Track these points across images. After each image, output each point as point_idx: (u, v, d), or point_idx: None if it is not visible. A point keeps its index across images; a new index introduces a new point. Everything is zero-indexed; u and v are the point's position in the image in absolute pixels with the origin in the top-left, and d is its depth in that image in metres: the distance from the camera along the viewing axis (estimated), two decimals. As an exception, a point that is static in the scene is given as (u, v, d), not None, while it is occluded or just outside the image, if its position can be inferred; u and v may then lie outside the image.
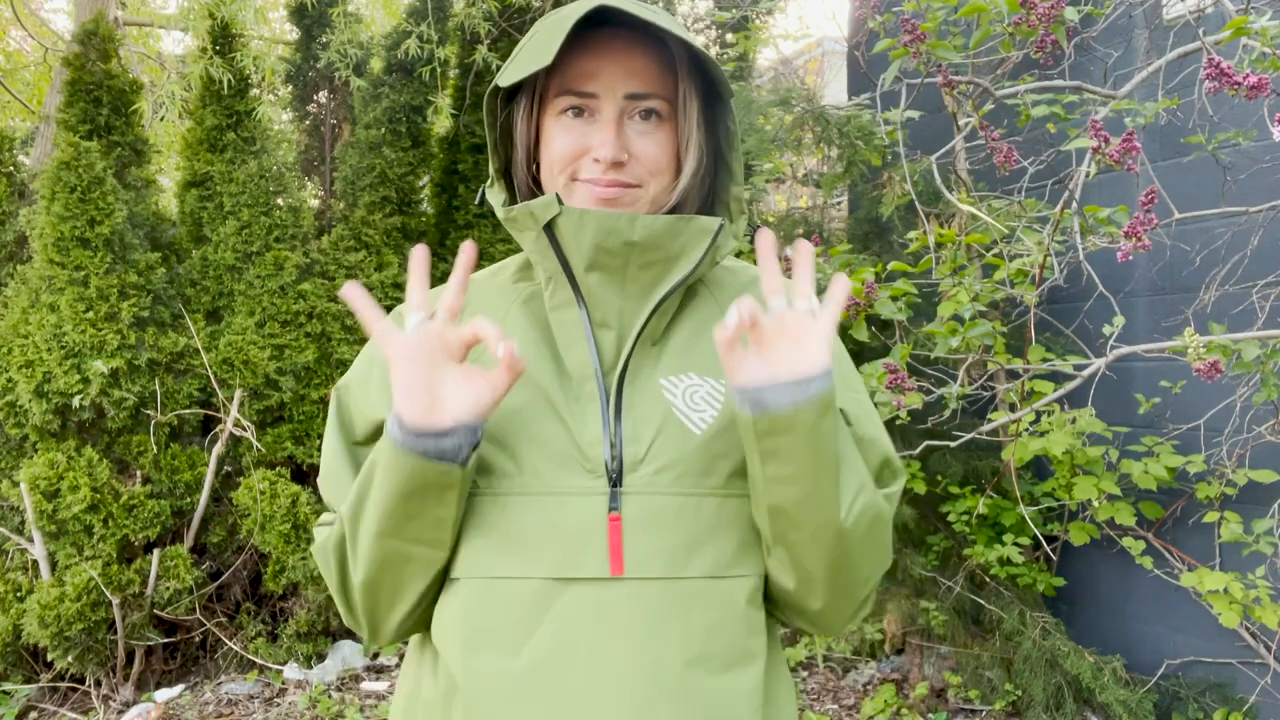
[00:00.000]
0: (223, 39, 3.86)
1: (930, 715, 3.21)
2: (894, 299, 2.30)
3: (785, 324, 0.77)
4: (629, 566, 0.82)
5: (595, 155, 0.86)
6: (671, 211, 0.91)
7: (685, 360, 0.90)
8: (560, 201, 0.85)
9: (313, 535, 0.93)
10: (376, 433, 0.90)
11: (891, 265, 2.36)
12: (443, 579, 0.87)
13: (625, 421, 0.86)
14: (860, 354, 3.41)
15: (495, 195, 0.93)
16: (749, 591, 0.86)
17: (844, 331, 2.49)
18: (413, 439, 0.77)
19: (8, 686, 3.43)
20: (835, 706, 3.38)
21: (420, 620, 0.89)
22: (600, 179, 0.87)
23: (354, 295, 0.78)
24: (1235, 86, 1.51)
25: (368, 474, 0.83)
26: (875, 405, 2.33)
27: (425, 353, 0.77)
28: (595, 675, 0.80)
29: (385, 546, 0.83)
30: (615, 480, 0.83)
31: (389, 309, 4.10)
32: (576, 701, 0.79)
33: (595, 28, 0.86)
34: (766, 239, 0.78)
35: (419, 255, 0.79)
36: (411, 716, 0.90)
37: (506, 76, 0.86)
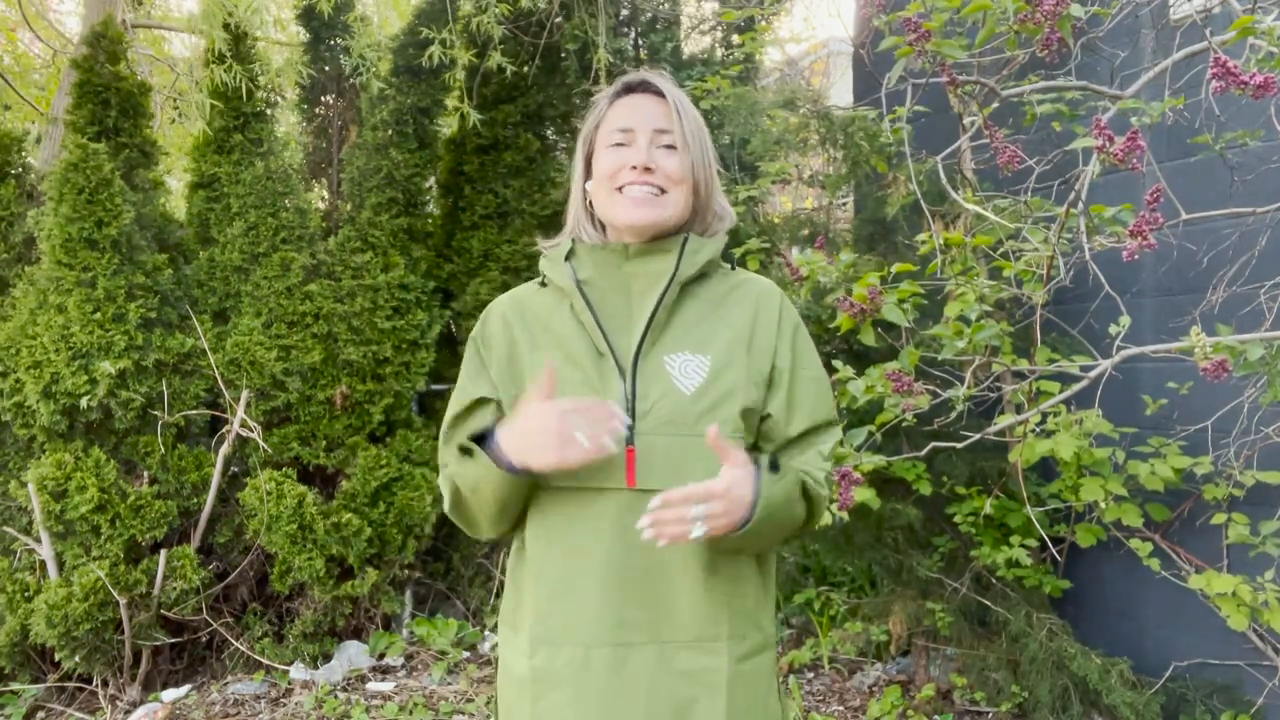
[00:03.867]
0: (234, 42, 3.88)
1: (936, 717, 3.20)
2: (900, 301, 2.29)
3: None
4: (639, 481, 1.22)
5: (632, 164, 1.26)
6: (685, 224, 1.34)
7: (682, 342, 1.28)
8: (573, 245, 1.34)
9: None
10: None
11: (896, 267, 2.36)
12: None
13: (638, 387, 1.25)
14: (867, 355, 3.41)
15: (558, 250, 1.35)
16: None
17: (852, 334, 2.49)
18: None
19: (15, 686, 3.44)
20: (841, 708, 3.37)
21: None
22: (636, 180, 1.26)
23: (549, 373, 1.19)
24: (1242, 86, 1.51)
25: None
26: (883, 409, 2.32)
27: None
28: (619, 552, 1.24)
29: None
30: (630, 426, 1.22)
31: (395, 309, 4.05)
32: (604, 561, 1.24)
33: (630, 94, 1.33)
34: (711, 432, 1.14)
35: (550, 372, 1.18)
36: (518, 573, 1.35)
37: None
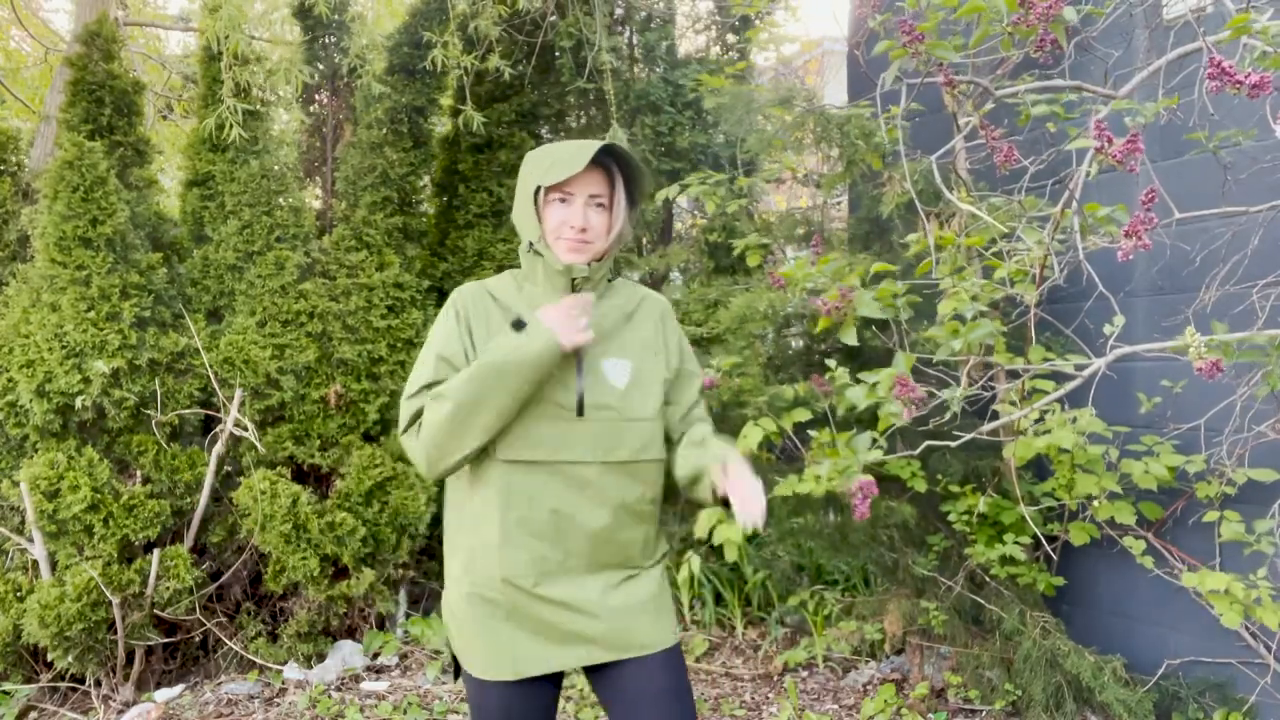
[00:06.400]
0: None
1: (930, 715, 3.21)
2: (892, 297, 2.30)
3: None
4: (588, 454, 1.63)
5: (571, 223, 1.62)
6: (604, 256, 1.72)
7: (609, 349, 1.68)
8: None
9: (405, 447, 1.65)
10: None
11: (875, 268, 2.37)
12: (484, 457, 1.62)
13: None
14: (860, 353, 3.41)
15: (531, 253, 1.67)
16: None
17: (831, 333, 2.48)
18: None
19: (8, 686, 3.43)
20: (835, 706, 3.38)
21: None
22: (571, 238, 1.63)
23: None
24: (1237, 85, 1.51)
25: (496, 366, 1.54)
26: (878, 413, 2.33)
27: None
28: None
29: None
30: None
31: (390, 308, 4.05)
32: (569, 522, 1.61)
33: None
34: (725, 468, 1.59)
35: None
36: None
37: (546, 180, 1.60)
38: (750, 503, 1.47)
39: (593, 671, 1.68)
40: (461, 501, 1.68)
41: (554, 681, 1.67)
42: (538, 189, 1.64)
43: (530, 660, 1.60)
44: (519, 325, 1.57)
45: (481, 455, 1.60)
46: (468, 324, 1.65)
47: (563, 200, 1.62)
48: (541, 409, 1.58)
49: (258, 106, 3.99)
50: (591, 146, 1.58)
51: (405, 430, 1.62)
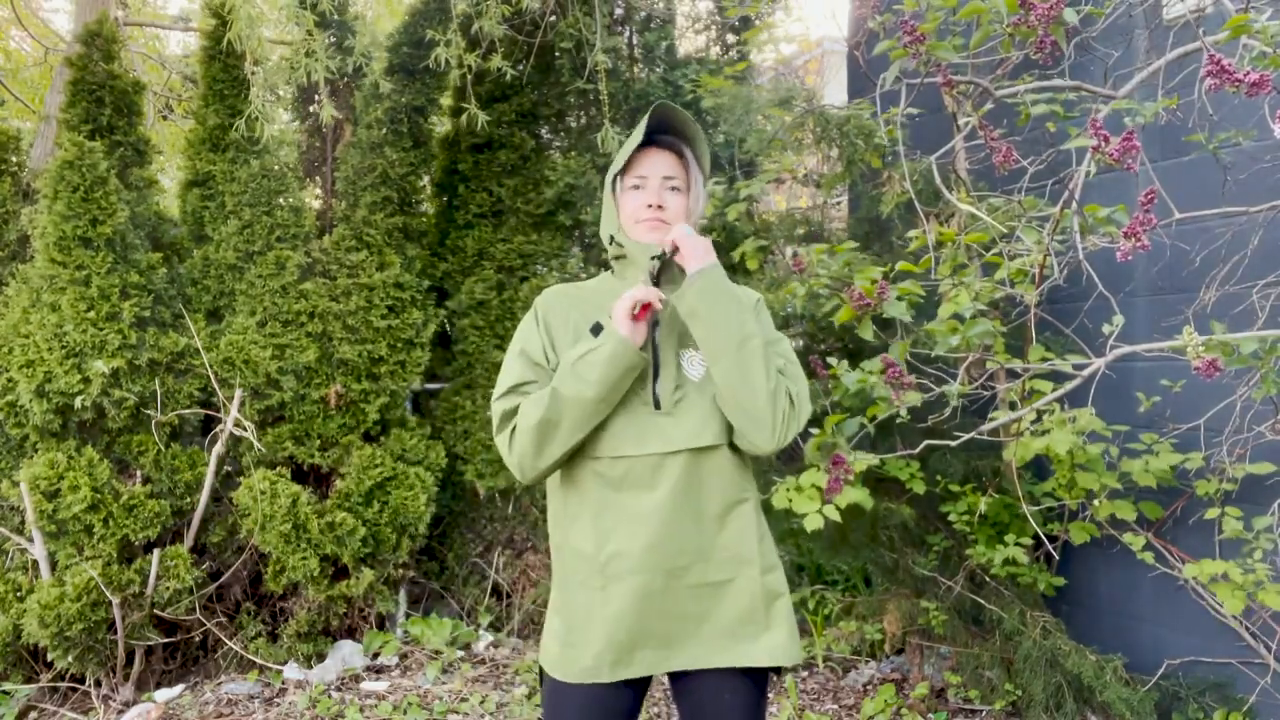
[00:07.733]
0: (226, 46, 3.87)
1: (930, 715, 3.21)
2: (899, 299, 2.30)
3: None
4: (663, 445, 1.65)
5: (648, 203, 1.68)
6: None
7: (688, 340, 1.70)
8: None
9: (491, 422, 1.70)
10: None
11: (900, 266, 2.36)
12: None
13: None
14: (861, 354, 3.41)
15: (613, 245, 1.74)
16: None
17: (849, 331, 2.49)
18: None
19: (8, 686, 3.43)
20: (835, 706, 3.38)
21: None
22: (649, 217, 1.68)
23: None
24: (1236, 84, 1.51)
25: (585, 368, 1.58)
26: (875, 401, 2.33)
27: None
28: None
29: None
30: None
31: (390, 308, 4.04)
32: (655, 505, 1.59)
33: (648, 145, 1.71)
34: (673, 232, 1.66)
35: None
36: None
37: (617, 166, 1.70)
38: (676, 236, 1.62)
39: (673, 678, 1.67)
40: (558, 501, 1.70)
41: (638, 684, 1.65)
42: (614, 180, 1.71)
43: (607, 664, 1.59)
44: (597, 330, 1.64)
45: (574, 455, 1.62)
46: (546, 323, 1.69)
47: (637, 187, 1.69)
48: (626, 406, 1.61)
49: (258, 105, 3.99)
50: (647, 119, 1.65)
51: (498, 432, 1.65)
